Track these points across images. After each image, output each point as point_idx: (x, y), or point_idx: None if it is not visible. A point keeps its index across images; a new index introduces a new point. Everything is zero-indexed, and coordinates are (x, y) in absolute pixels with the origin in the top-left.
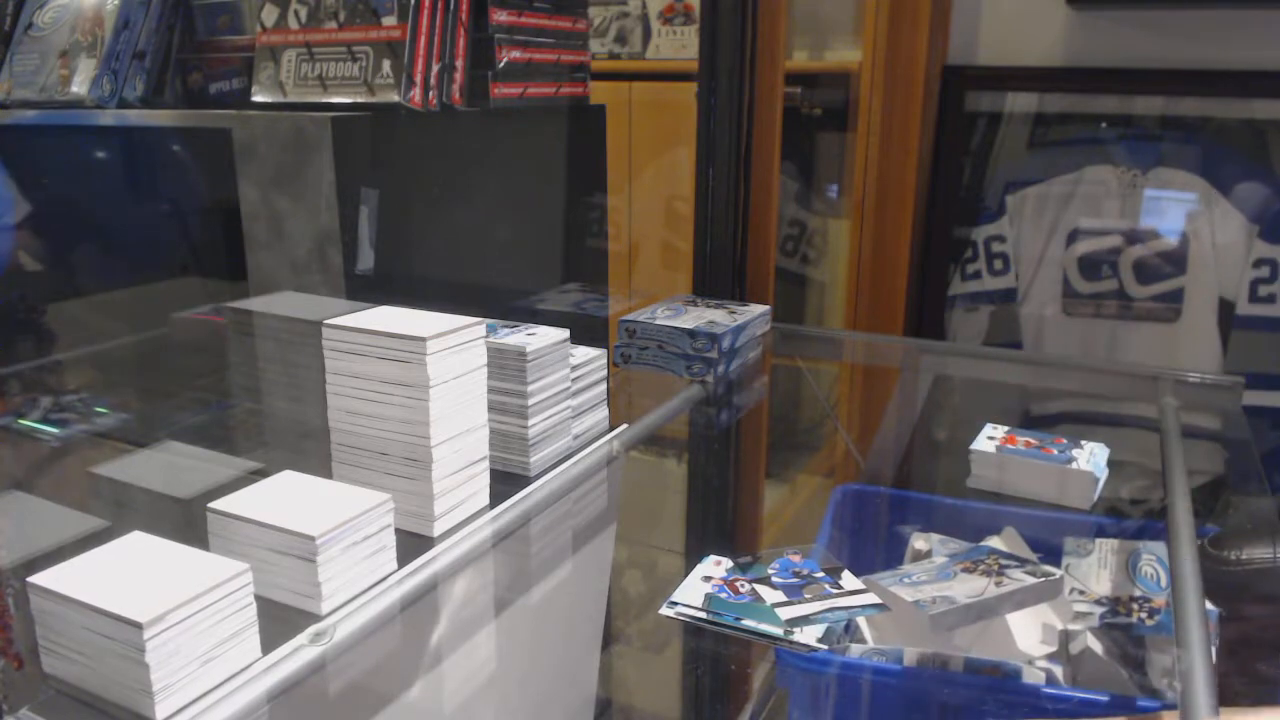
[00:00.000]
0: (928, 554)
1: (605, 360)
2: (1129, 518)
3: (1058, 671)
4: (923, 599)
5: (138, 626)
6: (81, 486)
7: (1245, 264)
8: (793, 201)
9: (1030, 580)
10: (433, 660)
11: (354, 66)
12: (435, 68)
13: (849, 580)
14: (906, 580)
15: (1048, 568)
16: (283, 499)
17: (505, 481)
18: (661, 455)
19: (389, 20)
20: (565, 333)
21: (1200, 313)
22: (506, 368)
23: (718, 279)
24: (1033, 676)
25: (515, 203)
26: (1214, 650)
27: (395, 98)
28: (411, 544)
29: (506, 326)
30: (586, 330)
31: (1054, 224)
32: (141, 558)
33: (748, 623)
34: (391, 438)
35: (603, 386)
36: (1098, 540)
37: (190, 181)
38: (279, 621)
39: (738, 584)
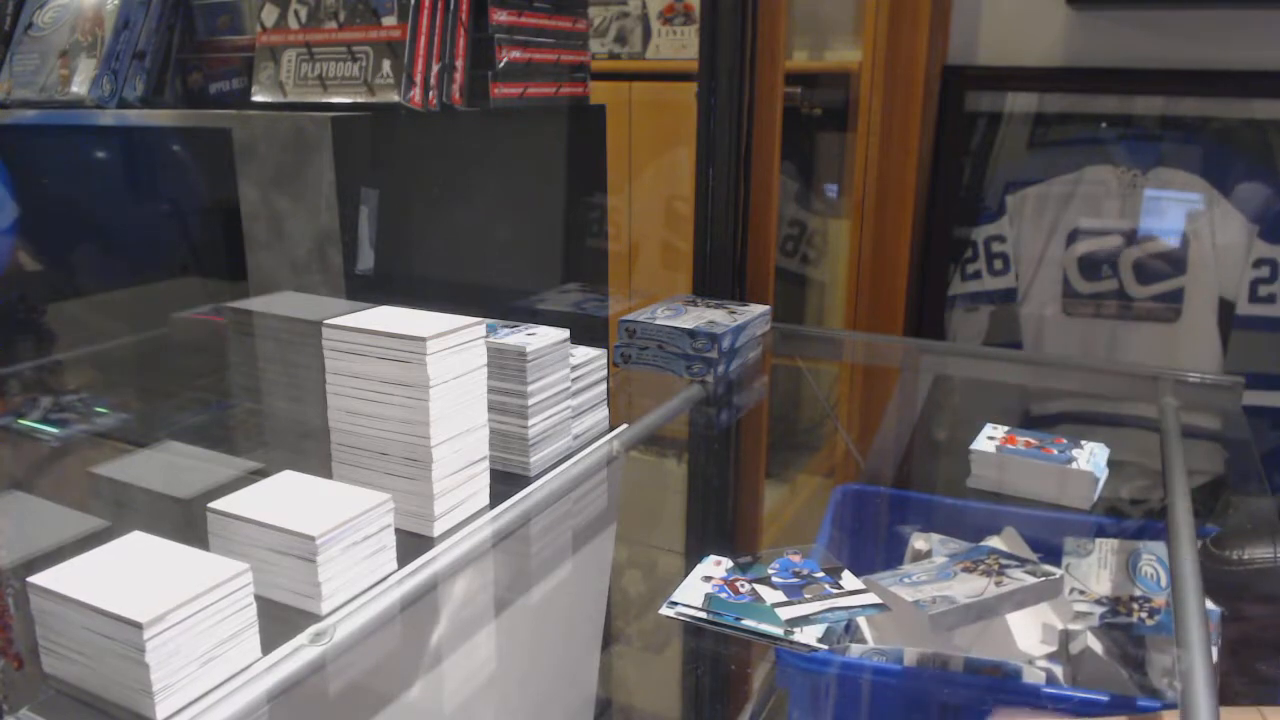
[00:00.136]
0: (928, 554)
1: (605, 360)
2: (1129, 518)
3: (1058, 671)
4: (923, 599)
5: (138, 626)
6: (81, 486)
7: (1245, 264)
8: (793, 201)
9: (1030, 580)
10: (433, 660)
11: (354, 66)
12: (435, 68)
13: (849, 580)
14: (906, 580)
15: (1048, 567)
16: (283, 499)
17: (505, 481)
18: (661, 455)
19: (389, 20)
20: (565, 333)
21: (1200, 313)
22: (506, 368)
23: (718, 279)
24: (1033, 676)
25: (515, 203)
26: (1216, 650)
27: (395, 98)
28: (411, 544)
29: (506, 326)
30: (586, 330)
31: (1054, 224)
32: (141, 558)
33: (748, 623)
34: (391, 438)
35: (603, 386)
36: (1098, 540)
37: (190, 181)
38: (279, 621)
39: (738, 584)
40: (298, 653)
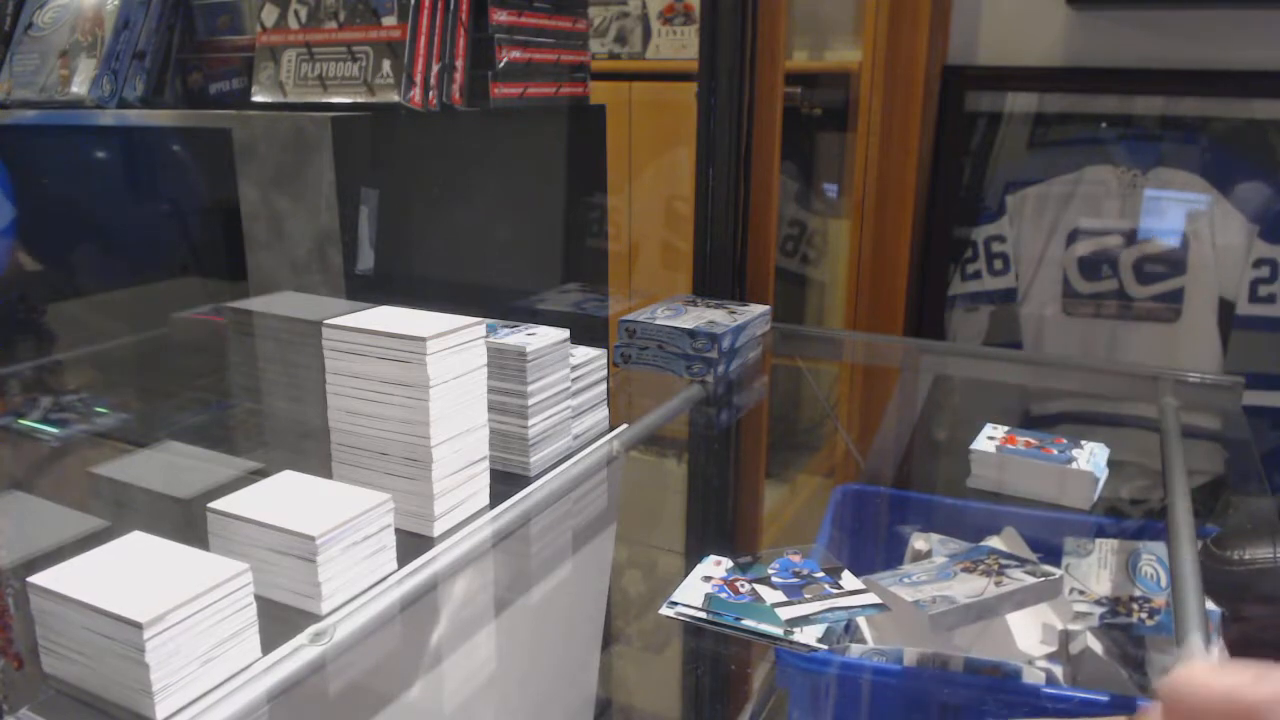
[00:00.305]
0: (928, 554)
1: (605, 360)
2: (1129, 518)
3: (1058, 671)
4: (923, 599)
5: (138, 626)
6: (81, 486)
7: (1245, 264)
8: (793, 201)
9: (1030, 580)
10: (433, 660)
11: (354, 66)
12: (435, 68)
13: (849, 580)
14: (906, 580)
15: (1048, 568)
16: (283, 499)
17: (505, 481)
18: (661, 455)
19: (389, 20)
20: (565, 333)
21: (1200, 313)
22: (506, 368)
23: (718, 279)
24: (1033, 676)
25: (515, 203)
26: (1215, 650)
27: (395, 98)
28: (411, 544)
29: (506, 326)
30: (586, 330)
31: (1054, 224)
32: (141, 558)
33: (748, 623)
34: (391, 438)
35: (603, 386)
36: (1098, 540)
37: (190, 181)
38: (279, 621)
39: (738, 584)
40: (297, 653)
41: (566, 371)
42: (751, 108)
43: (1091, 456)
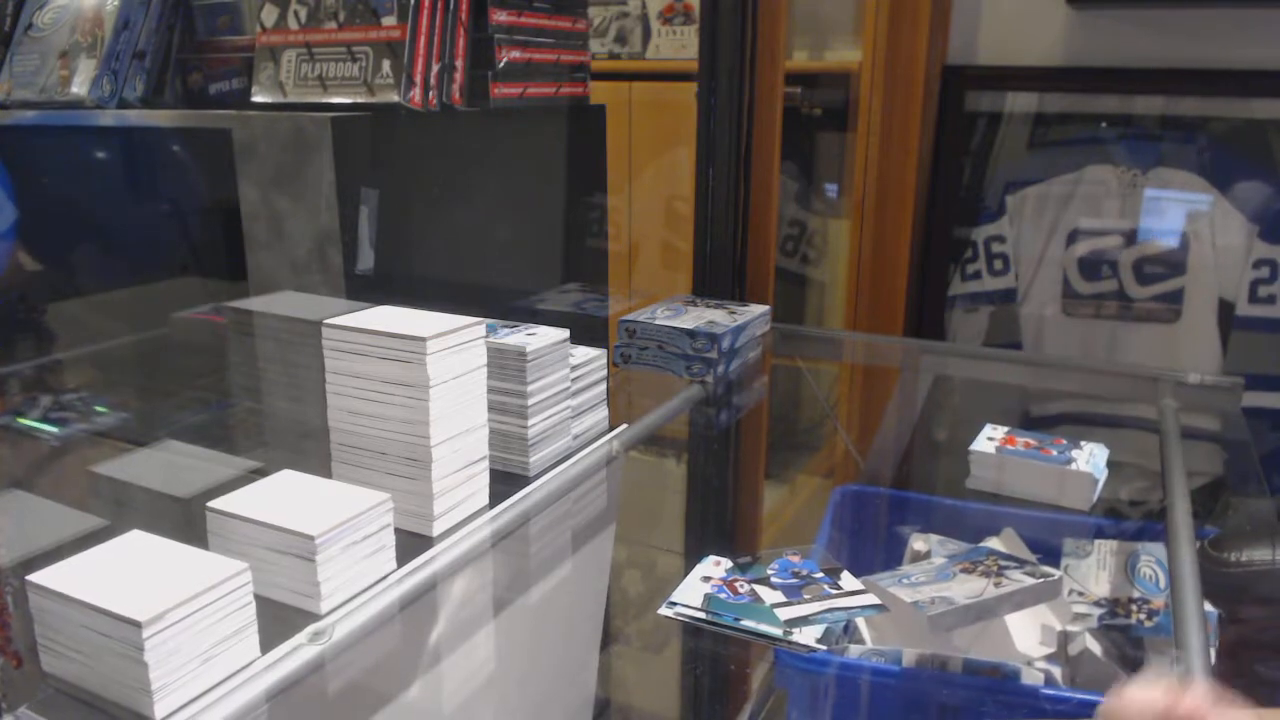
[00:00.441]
0: (927, 555)
1: (605, 360)
2: (1128, 519)
3: (1056, 672)
4: (922, 600)
5: (137, 625)
6: (81, 485)
7: (1245, 264)
8: (793, 201)
9: (1029, 581)
10: (432, 660)
11: (354, 66)
12: (435, 68)
13: (848, 581)
14: (905, 581)
15: (1047, 569)
16: (282, 498)
17: (505, 481)
18: (661, 455)
19: (389, 20)
20: (565, 333)
21: (1200, 313)
22: (506, 368)
23: (718, 279)
24: (1031, 677)
25: (515, 203)
26: (1213, 652)
27: (395, 98)
28: (411, 544)
29: (506, 326)
30: (586, 330)
31: (1054, 224)
32: (141, 557)
33: (747, 623)
34: (391, 437)
35: (603, 386)
36: (1097, 541)
37: (190, 181)
38: (278, 621)
39: (737, 584)
40: (297, 652)
41: (566, 371)
42: (751, 108)
43: (1091, 457)
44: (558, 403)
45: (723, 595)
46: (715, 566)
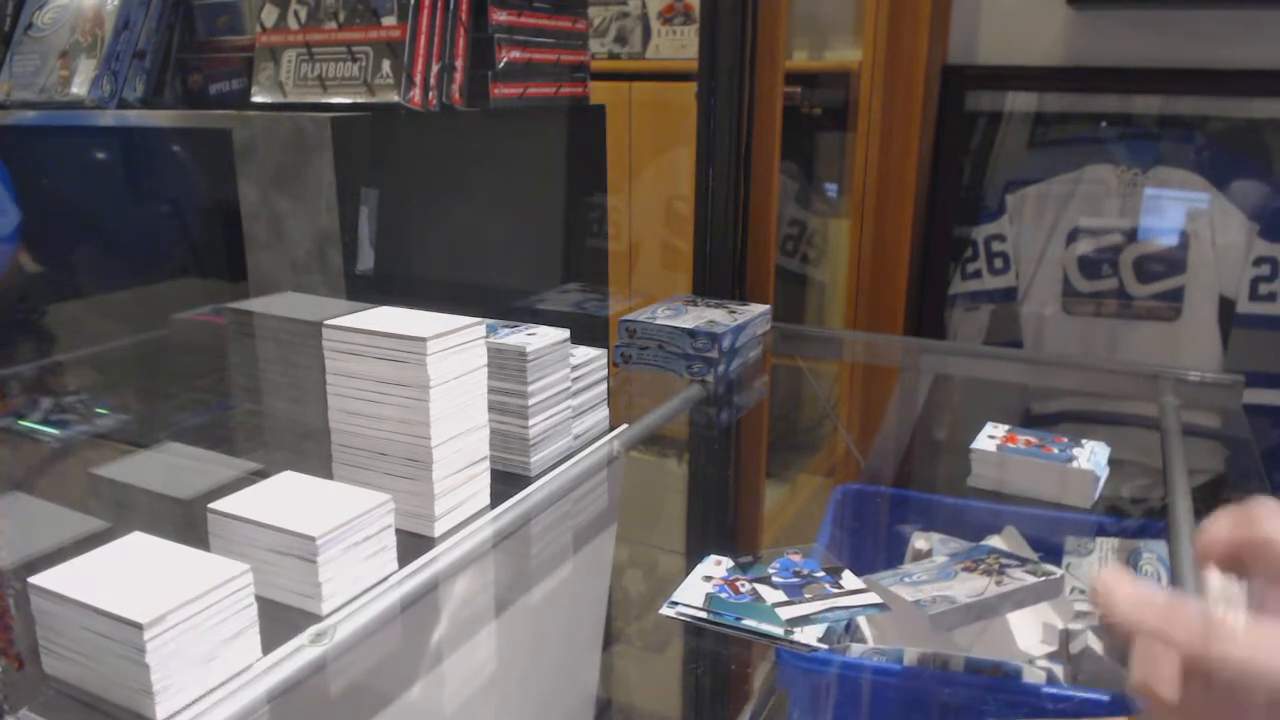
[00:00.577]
0: (928, 553)
1: (605, 360)
2: (1130, 517)
3: (1058, 671)
4: (923, 598)
5: (138, 627)
6: (82, 487)
7: (1245, 262)
8: (793, 201)
9: (1031, 579)
10: (433, 660)
11: (354, 66)
12: (435, 68)
13: (849, 580)
14: (907, 580)
15: (1048, 567)
16: (283, 499)
17: (505, 481)
18: (661, 455)
19: (389, 20)
20: (565, 333)
21: (1200, 311)
22: (506, 368)
23: (718, 279)
24: (1033, 676)
25: (515, 203)
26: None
27: (395, 98)
28: (412, 544)
29: (506, 326)
30: (586, 330)
31: (1054, 223)
32: (142, 558)
33: (748, 623)
34: (392, 438)
35: (603, 386)
36: (1098, 539)
37: (190, 182)
38: (279, 622)
39: (738, 584)
40: (298, 653)
41: (566, 371)
42: (751, 108)
43: (1092, 455)
44: (558, 403)
45: (724, 595)
46: (716, 566)
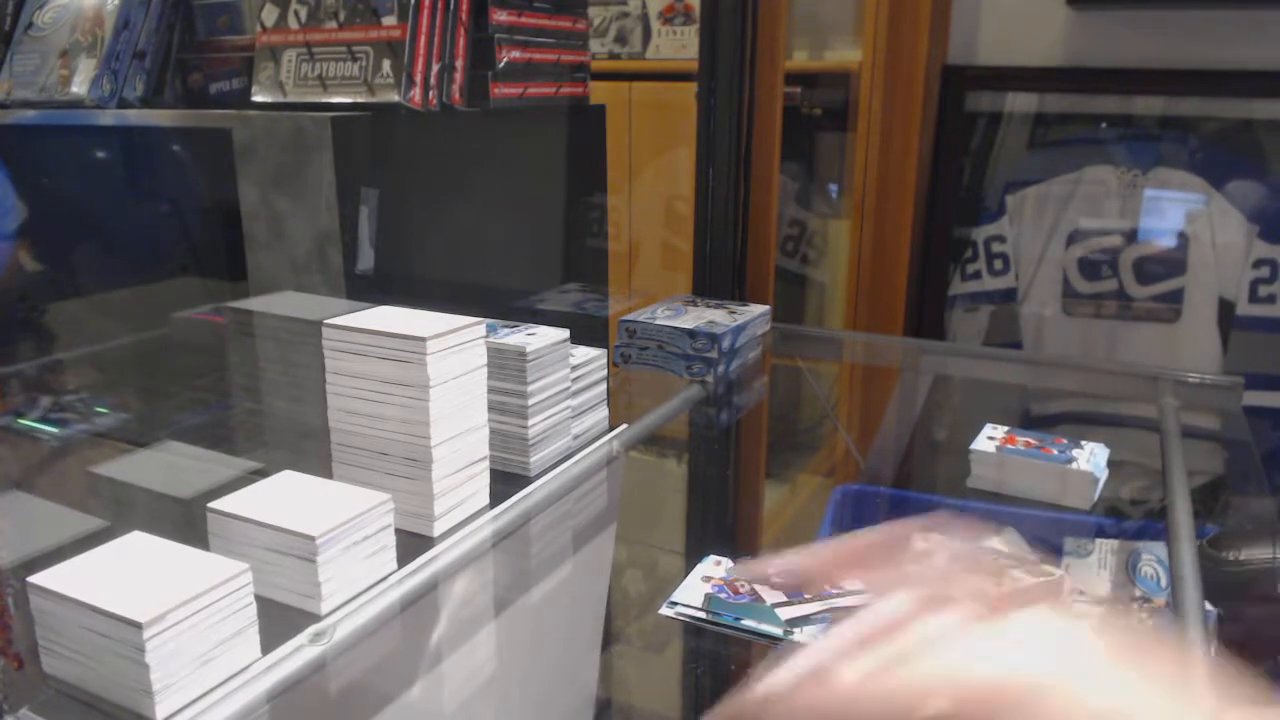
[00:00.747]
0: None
1: (605, 360)
2: (1129, 518)
3: None
4: None
5: (137, 626)
6: (81, 486)
7: (1245, 264)
8: (793, 201)
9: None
10: (433, 660)
11: (354, 66)
12: (435, 68)
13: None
14: None
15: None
16: (283, 499)
17: (505, 481)
18: (661, 455)
19: (389, 20)
20: (565, 333)
21: (1200, 313)
22: (506, 368)
23: (718, 279)
24: None
25: (515, 203)
26: (1211, 651)
27: (395, 98)
28: (411, 544)
29: (506, 326)
30: (586, 330)
31: (1054, 224)
32: (141, 557)
33: (748, 623)
34: (391, 438)
35: (603, 386)
36: (1098, 540)
37: (190, 181)
38: (279, 621)
39: (738, 584)
40: (297, 653)
41: (566, 371)
42: (751, 108)
43: (1091, 457)
44: (558, 403)
45: (723, 595)
46: (716, 566)
